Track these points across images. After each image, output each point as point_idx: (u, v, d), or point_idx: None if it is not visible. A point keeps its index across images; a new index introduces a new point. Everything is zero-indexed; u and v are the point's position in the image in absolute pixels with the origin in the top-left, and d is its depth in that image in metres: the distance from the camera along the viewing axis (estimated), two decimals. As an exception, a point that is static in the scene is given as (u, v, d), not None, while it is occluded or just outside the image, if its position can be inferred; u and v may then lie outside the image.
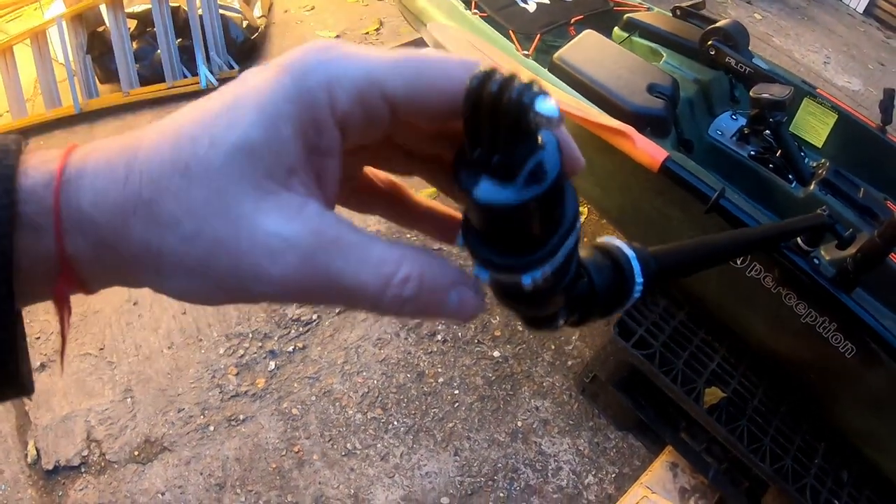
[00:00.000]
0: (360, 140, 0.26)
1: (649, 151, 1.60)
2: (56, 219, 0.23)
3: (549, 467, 2.01)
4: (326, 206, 0.25)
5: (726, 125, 2.10)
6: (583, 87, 1.87)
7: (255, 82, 0.24)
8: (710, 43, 2.07)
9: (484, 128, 0.22)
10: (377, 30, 3.45)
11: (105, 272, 0.25)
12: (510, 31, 2.12)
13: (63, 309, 0.25)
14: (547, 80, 1.85)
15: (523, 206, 0.23)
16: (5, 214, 0.22)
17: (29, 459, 2.06)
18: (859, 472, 1.84)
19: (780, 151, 2.01)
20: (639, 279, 0.36)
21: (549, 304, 0.30)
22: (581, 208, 2.54)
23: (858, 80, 3.92)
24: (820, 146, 2.27)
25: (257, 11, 3.33)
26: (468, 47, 1.88)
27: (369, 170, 0.33)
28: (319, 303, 0.26)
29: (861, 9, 4.79)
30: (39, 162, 0.23)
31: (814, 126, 2.28)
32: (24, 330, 0.25)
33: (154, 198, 0.22)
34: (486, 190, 0.23)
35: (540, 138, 0.23)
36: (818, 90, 2.25)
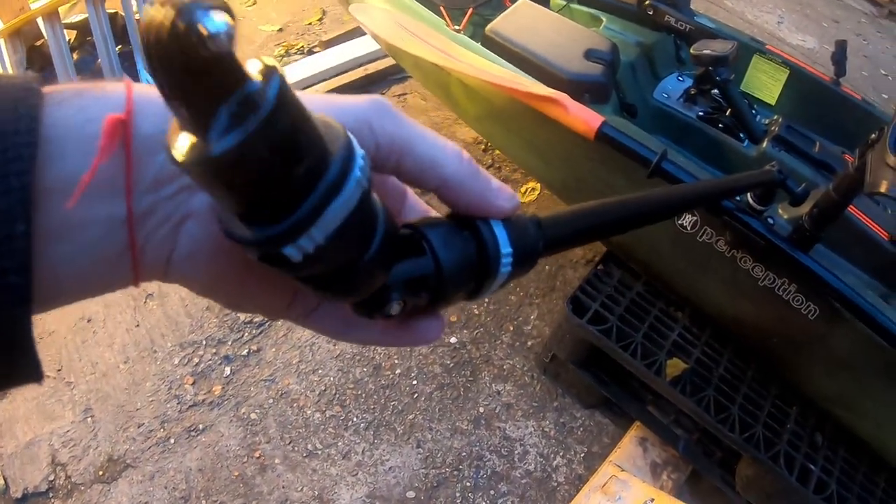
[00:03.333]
0: None
1: (584, 118, 1.45)
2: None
3: (516, 452, 1.88)
4: None
5: (672, 87, 1.95)
6: (518, 59, 1.72)
7: None
8: (647, 3, 1.92)
9: (159, 70, 0.17)
10: (320, 20, 3.27)
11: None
12: (441, 7, 1.96)
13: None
14: (480, 55, 1.70)
15: (227, 158, 0.18)
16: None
17: (-2, 490, 1.95)
18: (834, 434, 1.71)
19: (729, 110, 1.87)
20: (505, 249, 0.29)
21: (355, 283, 0.25)
22: (534, 184, 2.39)
23: (813, 38, 3.77)
24: (773, 103, 2.14)
25: (198, 11, 3.16)
26: (392, 27, 1.72)
27: None
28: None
29: (813, -33, 4.63)
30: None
31: (765, 83, 2.14)
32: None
33: None
34: (181, 147, 0.19)
35: (249, 70, 0.18)
36: (768, 46, 2.10)
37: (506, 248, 0.29)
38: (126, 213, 0.23)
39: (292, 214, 0.20)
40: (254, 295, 0.29)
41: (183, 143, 0.18)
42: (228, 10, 0.17)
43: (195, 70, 0.17)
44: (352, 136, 0.23)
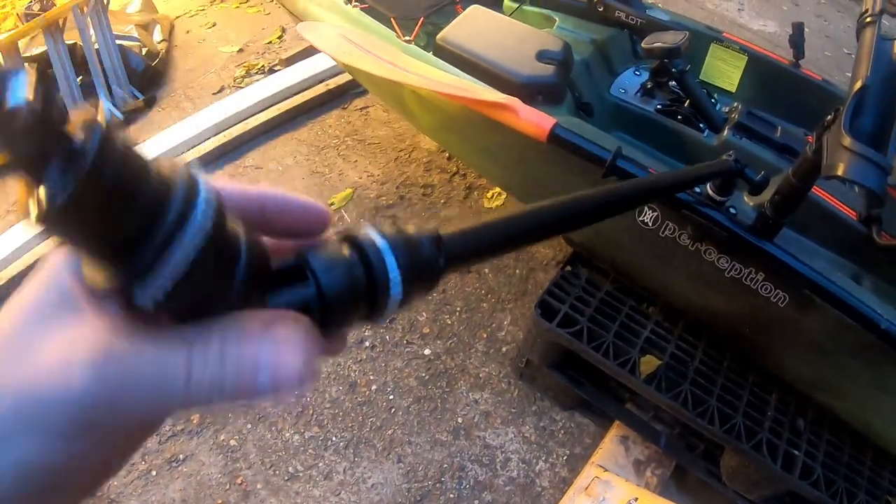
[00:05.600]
0: None
1: (535, 121, 1.40)
2: None
3: (497, 460, 1.83)
4: None
5: (629, 82, 1.91)
6: (469, 66, 1.67)
7: None
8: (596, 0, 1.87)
9: None
10: (280, 38, 3.22)
11: None
12: (392, 19, 1.91)
13: None
14: (432, 65, 1.65)
15: (66, 208, 0.19)
16: None
17: (-24, 532, 1.89)
18: (815, 417, 1.67)
19: (688, 101, 1.83)
20: (393, 273, 0.29)
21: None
22: (499, 190, 2.34)
23: (773, 22, 3.75)
24: (734, 91, 2.10)
25: (157, 36, 3.08)
26: (341, 44, 1.66)
27: None
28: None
29: (771, -49, 4.61)
30: None
31: (724, 71, 2.11)
32: None
33: None
34: (36, 205, 0.20)
35: (72, 126, 0.19)
36: (724, 34, 2.06)
37: (394, 273, 0.28)
38: None
39: (134, 263, 0.21)
40: None
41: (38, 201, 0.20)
42: (33, 76, 0.18)
43: (13, 138, 0.18)
44: (198, 176, 0.23)
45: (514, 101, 1.42)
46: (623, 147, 1.39)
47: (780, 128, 1.79)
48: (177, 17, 3.37)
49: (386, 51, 1.64)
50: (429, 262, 0.30)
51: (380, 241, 0.29)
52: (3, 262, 2.35)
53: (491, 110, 1.45)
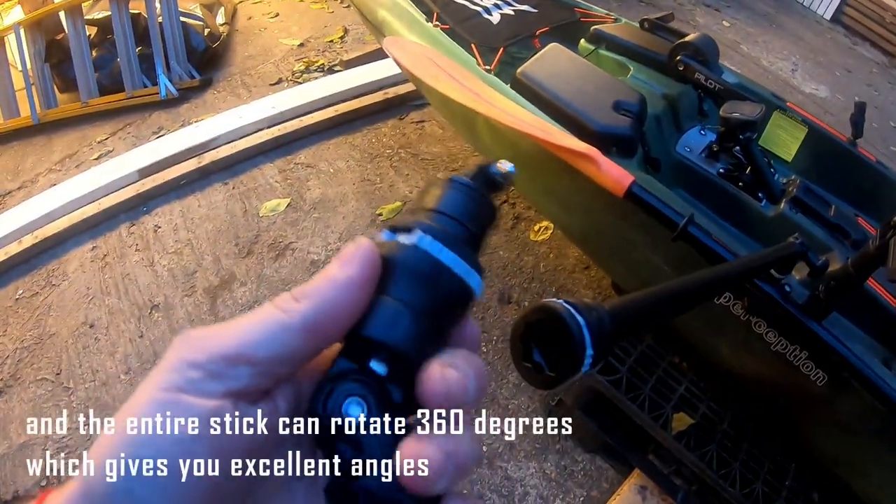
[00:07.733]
0: None
1: (614, 176, 1.48)
2: None
3: (516, 493, 1.90)
4: None
5: (695, 141, 1.99)
6: (546, 105, 1.75)
7: None
8: (678, 58, 1.96)
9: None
10: (342, 38, 3.29)
11: None
12: (472, 45, 1.99)
13: None
14: (509, 98, 1.73)
15: None
16: None
17: (-13, 490, 1.95)
18: (829, 490, 1.75)
19: (749, 168, 1.91)
20: (589, 352, 0.35)
21: None
22: (547, 223, 2.42)
23: (825, 86, 3.84)
24: (790, 160, 2.18)
25: (220, 18, 3.16)
26: (427, 64, 1.74)
27: None
28: None
29: (828, 15, 4.73)
30: None
31: (784, 140, 2.19)
32: None
33: None
34: None
35: None
36: (788, 104, 2.15)
37: (590, 352, 0.36)
38: None
39: None
40: None
41: None
42: None
43: None
44: None
45: (595, 153, 1.50)
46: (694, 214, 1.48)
47: (833, 206, 1.88)
48: (240, 2, 3.44)
49: (468, 78, 1.72)
50: (608, 338, 0.37)
51: (580, 320, 0.35)
52: (45, 217, 2.41)
53: (570, 156, 1.53)
